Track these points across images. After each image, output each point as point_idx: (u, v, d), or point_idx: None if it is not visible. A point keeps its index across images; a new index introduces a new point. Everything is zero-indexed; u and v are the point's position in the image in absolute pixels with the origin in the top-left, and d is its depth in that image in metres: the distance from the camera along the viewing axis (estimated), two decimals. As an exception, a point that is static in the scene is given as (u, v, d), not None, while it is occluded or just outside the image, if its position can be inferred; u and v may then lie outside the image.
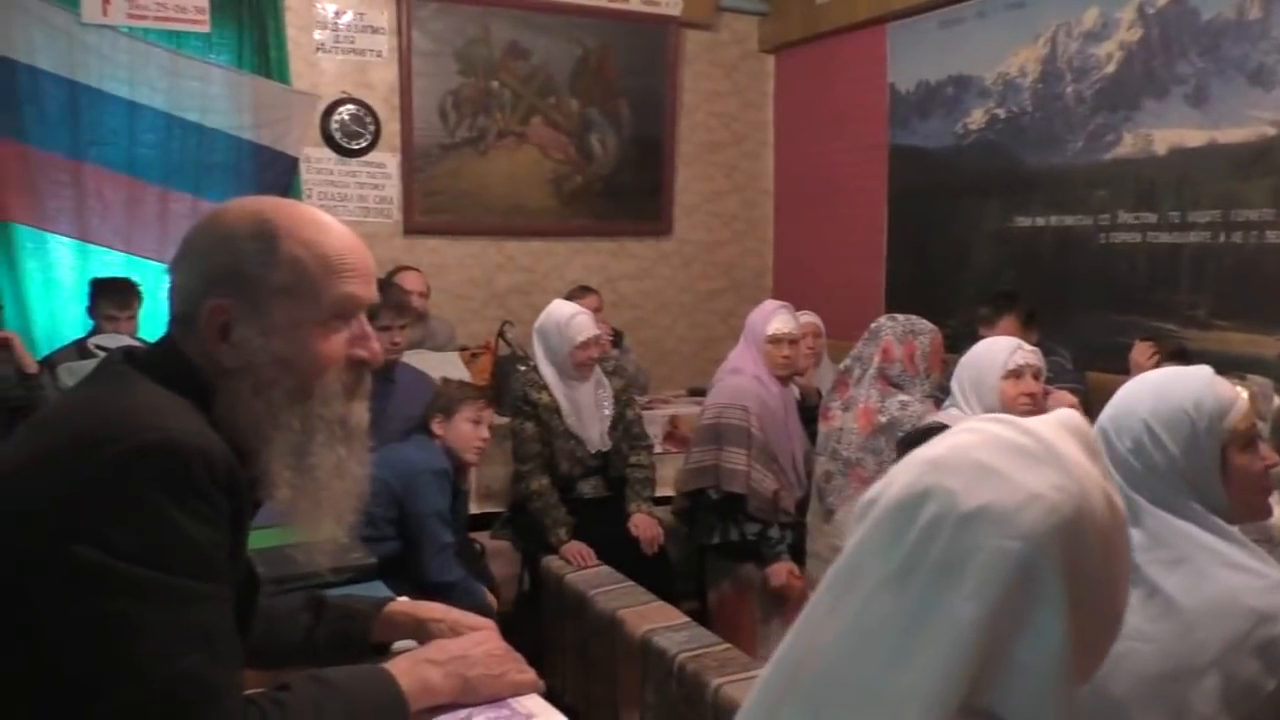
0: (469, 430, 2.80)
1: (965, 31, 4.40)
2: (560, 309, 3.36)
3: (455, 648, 1.26)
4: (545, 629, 3.09)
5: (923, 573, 0.76)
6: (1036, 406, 2.48)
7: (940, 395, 2.91)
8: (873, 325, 2.98)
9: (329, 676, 1.09)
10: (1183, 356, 3.03)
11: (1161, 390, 1.39)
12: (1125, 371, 3.14)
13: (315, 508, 1.09)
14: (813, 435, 3.27)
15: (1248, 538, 1.35)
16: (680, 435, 4.08)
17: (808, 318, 3.86)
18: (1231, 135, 3.44)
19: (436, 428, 2.79)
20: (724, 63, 5.56)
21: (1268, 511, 1.48)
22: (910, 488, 0.80)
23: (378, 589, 1.68)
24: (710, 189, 5.60)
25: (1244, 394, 1.43)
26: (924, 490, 0.79)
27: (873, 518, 0.81)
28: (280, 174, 4.45)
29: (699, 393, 4.26)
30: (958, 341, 3.79)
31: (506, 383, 3.82)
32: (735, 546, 3.19)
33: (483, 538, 3.30)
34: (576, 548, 3.09)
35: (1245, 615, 1.24)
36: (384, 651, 1.35)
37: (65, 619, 0.89)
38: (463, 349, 4.36)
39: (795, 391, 3.51)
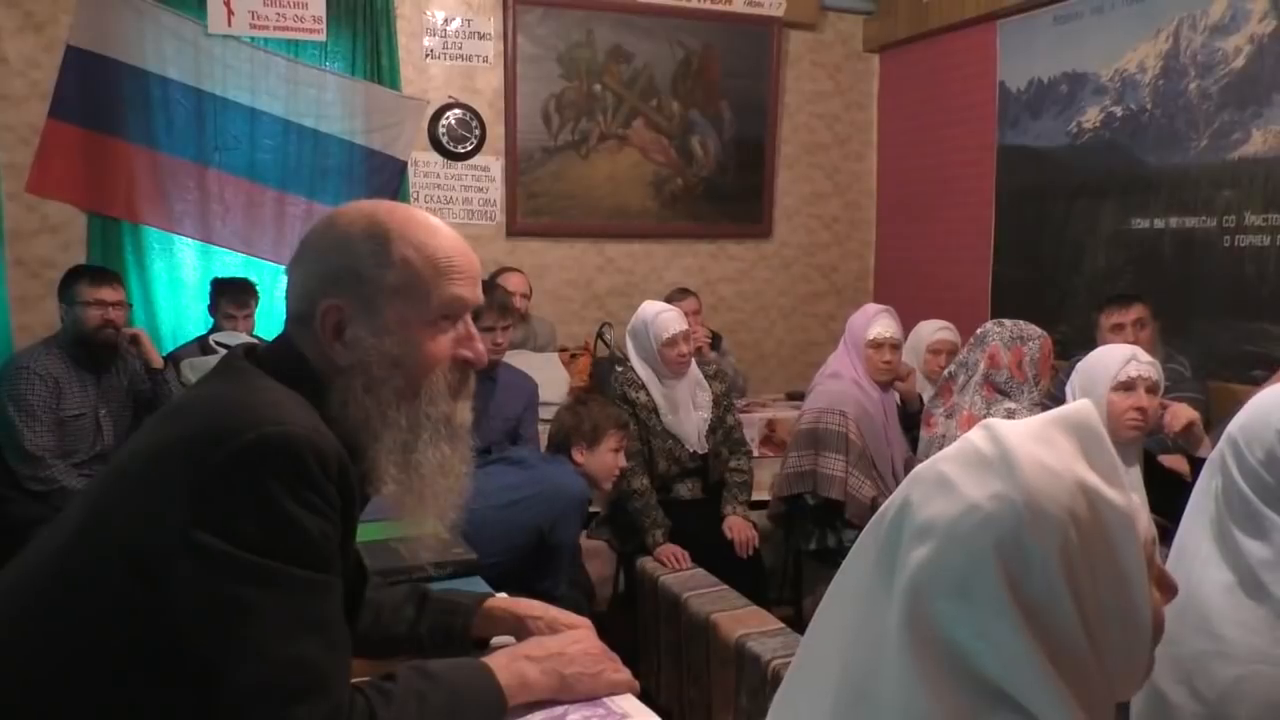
0: (611, 460, 2.78)
1: (1081, 27, 4.25)
2: (648, 308, 3.37)
3: (553, 645, 1.28)
4: (640, 630, 3.10)
5: (882, 583, 0.76)
6: (1147, 423, 2.36)
7: (1049, 403, 2.80)
8: (979, 330, 2.89)
9: (431, 668, 1.12)
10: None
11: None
12: (1251, 381, 2.99)
13: (419, 503, 1.13)
14: (914, 441, 3.20)
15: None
16: (777, 439, 4.05)
17: (944, 334, 3.74)
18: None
19: (578, 455, 2.75)
20: (827, 63, 5.49)
21: None
22: (891, 500, 0.80)
23: (477, 584, 1.71)
24: (812, 191, 5.54)
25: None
26: (898, 501, 0.79)
27: (866, 527, 0.82)
28: (390, 177, 4.58)
29: (797, 397, 4.22)
30: (1069, 348, 3.66)
31: (605, 384, 3.86)
32: (832, 553, 3.15)
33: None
34: (670, 550, 3.09)
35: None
36: (483, 646, 1.38)
37: (189, 600, 0.93)
38: (562, 350, 4.42)
39: (896, 397, 3.44)
